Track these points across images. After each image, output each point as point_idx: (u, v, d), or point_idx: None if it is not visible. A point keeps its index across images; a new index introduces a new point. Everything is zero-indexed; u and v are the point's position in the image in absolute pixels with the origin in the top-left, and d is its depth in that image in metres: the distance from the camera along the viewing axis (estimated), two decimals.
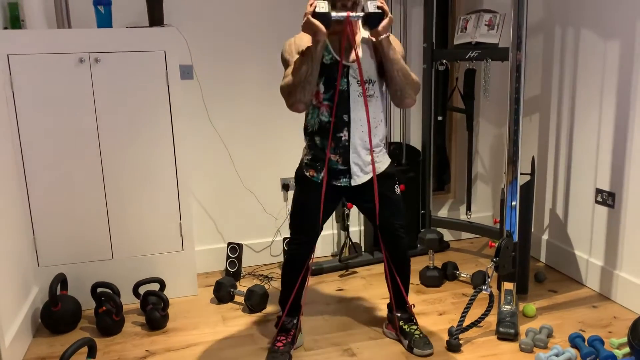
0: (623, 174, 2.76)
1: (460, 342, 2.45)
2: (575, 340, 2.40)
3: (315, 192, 2.28)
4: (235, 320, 2.78)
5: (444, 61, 3.27)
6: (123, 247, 2.89)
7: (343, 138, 2.24)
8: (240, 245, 3.26)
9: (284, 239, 3.40)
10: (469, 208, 3.55)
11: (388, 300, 2.57)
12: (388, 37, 2.12)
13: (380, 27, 2.09)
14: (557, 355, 2.30)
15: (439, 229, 3.31)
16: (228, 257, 3.26)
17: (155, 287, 2.86)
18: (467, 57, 3.10)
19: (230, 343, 2.55)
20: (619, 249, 2.83)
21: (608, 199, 2.87)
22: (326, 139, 2.24)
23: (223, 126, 3.26)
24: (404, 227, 2.41)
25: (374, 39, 2.15)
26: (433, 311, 2.80)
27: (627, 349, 2.32)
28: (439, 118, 3.51)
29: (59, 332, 2.66)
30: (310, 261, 2.38)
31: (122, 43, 2.70)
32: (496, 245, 2.56)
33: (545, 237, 3.40)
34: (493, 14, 3.06)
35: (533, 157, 2.99)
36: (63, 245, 2.81)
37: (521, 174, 2.58)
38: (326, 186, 2.28)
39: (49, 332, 2.67)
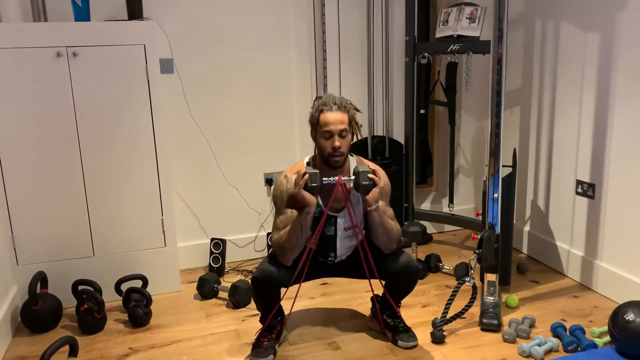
0: (603, 165, 2.80)
1: (444, 333, 2.47)
2: (557, 330, 2.43)
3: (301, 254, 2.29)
4: (219, 316, 2.76)
5: (426, 54, 3.27)
6: (104, 243, 2.86)
7: (330, 262, 2.44)
8: (223, 241, 3.24)
9: (268, 233, 3.39)
10: (451, 201, 3.57)
11: (371, 294, 2.57)
12: (377, 206, 2.20)
13: (369, 196, 2.16)
14: (539, 345, 2.32)
15: (422, 222, 3.33)
16: (211, 252, 3.24)
17: (138, 284, 2.83)
18: (448, 50, 3.11)
19: (214, 339, 2.54)
20: (599, 239, 2.87)
21: (588, 190, 2.90)
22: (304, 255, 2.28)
23: (204, 120, 3.23)
24: (415, 262, 2.41)
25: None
26: (417, 303, 2.82)
27: (607, 338, 2.35)
28: (422, 111, 3.52)
29: (39, 331, 2.62)
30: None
31: (100, 37, 2.66)
32: (479, 237, 2.58)
33: (527, 228, 3.43)
34: (474, 7, 3.07)
35: (514, 149, 3.02)
36: (42, 243, 2.76)
37: (503, 166, 2.60)
38: (313, 258, 2.33)
39: (29, 331, 2.63)
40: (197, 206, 3.34)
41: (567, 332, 2.42)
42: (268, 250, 3.43)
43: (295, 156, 3.39)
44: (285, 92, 3.36)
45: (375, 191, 2.17)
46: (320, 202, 2.26)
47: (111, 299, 2.85)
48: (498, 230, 2.59)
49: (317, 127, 2.24)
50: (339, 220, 2.31)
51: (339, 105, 2.20)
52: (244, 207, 3.40)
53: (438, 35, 3.21)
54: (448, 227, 3.90)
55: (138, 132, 2.80)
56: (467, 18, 3.07)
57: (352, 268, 2.44)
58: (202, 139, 3.25)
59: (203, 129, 3.23)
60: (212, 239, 3.25)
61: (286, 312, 2.44)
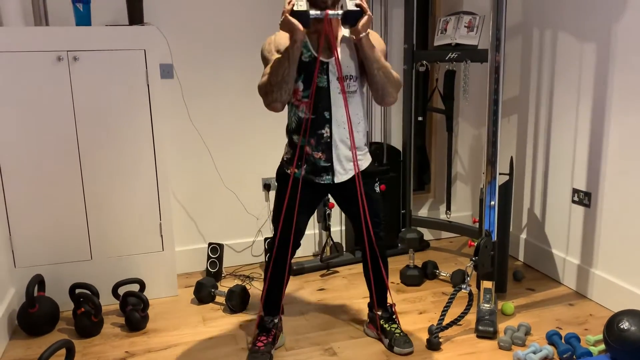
0: (599, 174, 2.82)
1: (440, 340, 2.47)
2: (552, 338, 2.44)
3: (297, 189, 2.28)
4: (216, 320, 2.77)
5: (424, 62, 3.30)
6: (102, 247, 2.86)
7: (325, 135, 2.24)
8: (221, 246, 3.25)
9: (266, 239, 3.40)
10: (448, 208, 3.58)
11: (369, 300, 2.58)
12: (367, 35, 2.12)
13: (359, 25, 2.08)
14: (534, 352, 2.33)
15: (419, 229, 3.33)
16: (209, 257, 3.25)
17: (135, 288, 2.83)
18: (447, 58, 3.13)
19: (211, 344, 2.54)
20: (594, 247, 2.88)
21: (584, 198, 2.92)
22: (305, 136, 2.23)
23: (203, 125, 3.25)
24: (381, 225, 2.43)
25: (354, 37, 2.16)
26: (413, 310, 2.82)
27: (602, 346, 2.36)
28: (419, 119, 3.54)
29: (36, 334, 2.62)
30: (291, 259, 2.38)
31: (101, 41, 2.68)
32: (475, 244, 2.59)
33: (523, 236, 3.45)
34: (473, 16, 3.09)
35: (511, 157, 3.04)
36: (40, 246, 2.77)
37: (500, 174, 2.62)
38: (308, 184, 2.29)
39: (25, 334, 2.63)
40: (195, 211, 3.34)
41: (563, 340, 2.43)
42: (265, 256, 3.44)
43: None
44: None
45: (363, 20, 2.07)
46: (310, 47, 2.17)
47: (108, 303, 2.85)
48: (495, 237, 2.61)
49: None
50: (330, 67, 2.17)
51: None
52: (242, 212, 3.41)
53: (436, 43, 3.23)
54: (445, 234, 3.91)
55: (137, 137, 2.82)
56: (465, 27, 3.09)
57: (349, 199, 2.36)
58: (201, 143, 3.26)
59: (202, 133, 3.25)
60: (210, 244, 3.26)
61: (283, 316, 2.45)
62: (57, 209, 2.76)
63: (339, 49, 2.19)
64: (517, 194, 3.42)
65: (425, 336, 2.51)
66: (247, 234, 3.46)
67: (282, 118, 3.39)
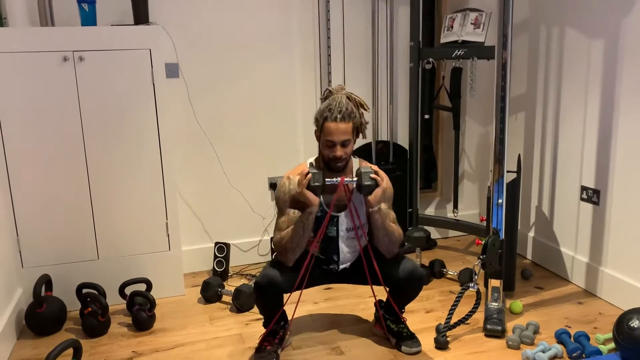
0: (608, 171, 2.79)
1: (448, 339, 2.46)
2: (561, 336, 2.42)
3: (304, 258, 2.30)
4: (222, 320, 2.76)
5: (431, 60, 3.28)
6: (109, 247, 2.87)
7: (333, 268, 2.42)
8: (227, 245, 3.24)
9: (271, 238, 3.39)
10: (455, 206, 3.56)
11: (375, 300, 2.57)
12: (379, 208, 2.22)
13: (371, 197, 2.18)
14: (543, 351, 2.31)
15: (426, 227, 3.32)
16: (215, 256, 3.25)
17: (142, 287, 2.83)
18: (453, 55, 3.11)
19: (217, 343, 2.54)
20: (603, 245, 2.86)
21: (593, 196, 2.89)
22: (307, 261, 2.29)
23: (209, 125, 3.25)
24: (420, 269, 2.39)
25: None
26: (420, 309, 2.81)
27: (612, 345, 2.34)
28: (426, 117, 3.52)
29: (43, 333, 2.63)
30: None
31: (106, 41, 2.68)
32: (483, 242, 2.57)
33: (531, 234, 3.42)
34: (479, 13, 3.07)
35: (519, 155, 3.02)
36: (48, 246, 2.77)
37: (507, 171, 2.60)
38: (316, 264, 2.37)
39: (33, 333, 2.64)
40: (201, 210, 3.34)
41: (572, 339, 2.41)
42: (272, 255, 3.43)
43: (299, 161, 3.39)
44: (290, 96, 3.36)
45: (377, 192, 2.18)
46: (323, 202, 2.27)
47: (115, 303, 2.85)
48: (502, 236, 2.59)
49: (320, 131, 2.25)
50: (340, 220, 2.31)
51: (344, 115, 2.18)
52: (248, 211, 3.40)
53: (443, 40, 3.21)
54: (452, 233, 3.89)
55: (143, 136, 2.82)
56: (471, 24, 3.08)
57: (355, 275, 2.43)
58: (207, 143, 3.26)
59: (208, 133, 3.25)
60: (216, 243, 3.26)
61: (289, 316, 2.44)
62: (64, 209, 2.77)
63: (352, 209, 2.29)
64: (524, 192, 3.40)
65: (432, 335, 2.50)
66: (254, 233, 3.46)
67: (288, 117, 3.38)
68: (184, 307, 2.92)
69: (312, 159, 2.37)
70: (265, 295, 2.29)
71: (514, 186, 2.80)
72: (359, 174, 2.18)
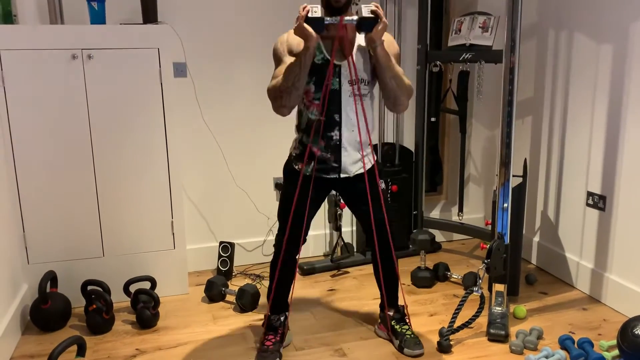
0: (614, 177, 2.78)
1: (451, 343, 2.46)
2: (565, 342, 2.42)
3: (304, 184, 2.29)
4: (226, 319, 2.77)
5: (438, 63, 3.27)
6: (114, 244, 2.88)
7: (334, 137, 2.24)
8: (232, 244, 3.25)
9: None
10: (460, 209, 3.56)
11: (380, 301, 2.57)
12: (382, 43, 2.11)
13: (373, 33, 2.07)
14: (546, 357, 2.31)
15: (430, 230, 3.32)
16: (220, 256, 3.25)
17: (146, 285, 2.84)
18: (460, 59, 3.11)
19: (221, 342, 2.54)
20: (609, 251, 2.84)
21: (599, 202, 2.88)
22: (315, 136, 2.24)
23: (216, 124, 3.26)
24: (384, 220, 2.38)
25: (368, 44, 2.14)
26: (424, 312, 2.81)
27: (616, 352, 2.33)
28: (432, 119, 3.52)
29: (48, 329, 2.64)
30: (298, 256, 2.38)
31: (115, 40, 2.69)
32: (487, 246, 2.57)
33: (536, 239, 3.41)
34: (487, 17, 3.07)
35: (525, 159, 3.01)
36: (53, 243, 2.79)
37: (513, 176, 2.59)
38: (315, 180, 2.30)
39: (38, 329, 2.65)
40: (206, 209, 3.35)
41: (575, 345, 2.40)
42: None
43: None
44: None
45: (378, 26, 2.06)
46: (324, 50, 2.17)
47: (119, 300, 2.86)
48: (507, 240, 2.58)
49: None
50: (342, 70, 2.17)
51: None
52: (253, 211, 3.41)
53: (450, 43, 3.21)
54: (457, 236, 3.89)
55: (150, 135, 2.83)
56: (479, 27, 3.07)
57: (356, 198, 2.36)
58: (214, 142, 3.27)
59: (214, 132, 3.26)
60: (221, 242, 3.27)
61: (289, 315, 2.44)
62: (70, 207, 2.78)
63: (353, 53, 2.18)
64: (530, 197, 3.39)
65: (435, 338, 2.49)
66: (258, 233, 3.46)
67: (294, 118, 3.38)
68: (187, 305, 2.92)
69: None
70: (289, 250, 2.33)
71: (519, 190, 2.80)
72: (358, 11, 2.08)
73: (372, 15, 2.07)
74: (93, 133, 2.75)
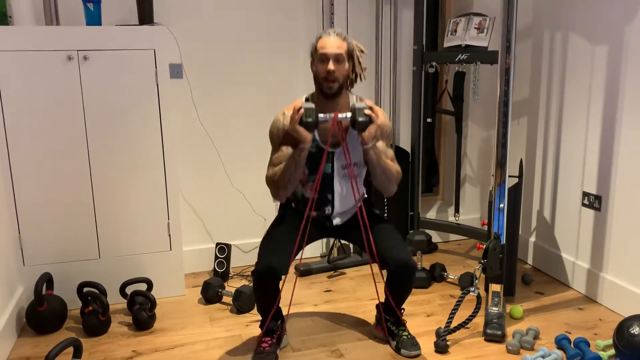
0: (610, 177, 2.79)
1: (448, 343, 2.46)
2: (561, 342, 2.42)
3: (298, 219, 2.32)
4: (222, 320, 2.77)
5: (434, 63, 3.28)
6: (110, 246, 2.87)
7: (327, 211, 2.39)
8: (228, 246, 3.25)
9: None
10: (457, 210, 3.56)
11: (377, 301, 2.57)
12: (375, 144, 2.18)
13: (366, 134, 2.13)
14: (543, 356, 2.31)
15: (427, 231, 3.32)
16: (216, 257, 3.25)
17: (143, 287, 2.84)
18: (456, 59, 3.12)
19: (217, 344, 2.54)
20: (605, 251, 2.85)
21: (595, 202, 2.89)
22: (309, 209, 2.30)
23: (212, 126, 3.25)
24: (412, 262, 2.30)
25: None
26: (421, 312, 2.81)
27: (612, 351, 2.34)
28: (428, 120, 3.52)
29: (44, 332, 2.63)
30: (283, 279, 2.28)
31: (111, 41, 2.69)
32: (484, 247, 2.57)
33: (532, 239, 3.42)
34: (483, 17, 3.08)
35: (521, 159, 3.02)
36: (49, 244, 2.78)
37: (509, 176, 2.60)
38: (311, 222, 2.33)
39: (33, 332, 2.64)
40: (203, 210, 3.35)
41: (572, 345, 2.41)
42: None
43: None
44: (294, 98, 3.35)
45: (371, 129, 2.12)
46: (318, 138, 2.24)
47: (116, 302, 2.86)
48: (503, 240, 2.59)
49: (314, 54, 2.21)
50: (336, 156, 2.27)
51: (339, 34, 2.18)
52: (250, 212, 3.40)
53: (446, 44, 3.21)
54: (453, 237, 3.89)
55: (146, 136, 2.82)
56: (475, 28, 3.08)
57: (350, 232, 2.41)
58: (210, 143, 3.27)
59: (211, 134, 3.25)
60: (217, 244, 3.26)
61: (284, 312, 2.44)
62: (66, 208, 2.77)
63: (347, 140, 2.26)
64: (526, 197, 3.40)
65: (432, 339, 2.49)
66: (255, 234, 3.46)
67: None
68: (184, 307, 2.92)
69: (307, 94, 2.32)
70: (264, 282, 2.24)
71: (515, 191, 2.80)
72: (352, 109, 2.13)
73: (366, 119, 2.12)
74: (89, 134, 2.74)
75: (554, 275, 3.23)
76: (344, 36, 2.21)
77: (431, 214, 3.86)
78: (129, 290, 2.80)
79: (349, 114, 2.14)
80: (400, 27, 3.48)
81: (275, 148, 2.30)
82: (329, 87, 2.18)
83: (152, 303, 2.69)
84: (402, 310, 2.50)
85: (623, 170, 2.71)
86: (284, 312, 2.45)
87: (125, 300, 2.80)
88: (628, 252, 2.71)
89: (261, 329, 2.40)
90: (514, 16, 2.41)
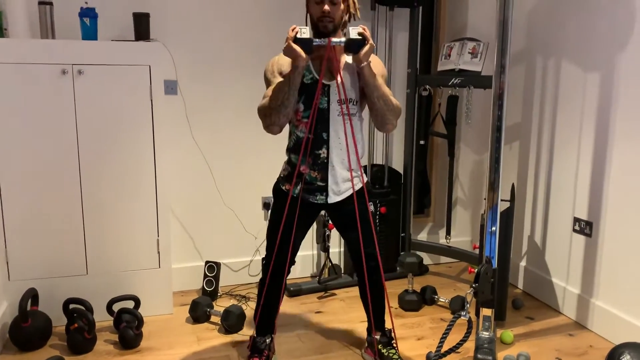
0: (601, 203, 2.81)
1: None
2: None
3: (292, 206, 2.29)
4: (210, 340, 2.72)
5: (427, 87, 3.31)
6: (98, 262, 2.83)
7: (322, 155, 2.27)
8: (218, 264, 3.21)
9: (262, 258, 3.36)
10: (448, 232, 3.56)
11: (367, 324, 2.55)
12: (369, 63, 2.15)
13: (361, 54, 2.11)
14: None
15: (418, 253, 3.31)
16: (205, 275, 3.21)
17: (130, 304, 2.79)
18: (450, 83, 3.14)
19: None
20: (595, 277, 2.86)
21: (586, 228, 2.90)
22: (303, 154, 2.25)
23: (205, 143, 3.24)
24: (375, 254, 2.40)
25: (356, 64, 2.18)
26: (411, 336, 2.79)
27: None
28: (421, 142, 3.54)
29: (27, 349, 2.58)
30: (286, 277, 2.36)
31: (106, 56, 2.68)
32: (476, 270, 2.56)
33: (523, 263, 3.42)
34: (477, 43, 3.11)
35: (513, 184, 3.03)
36: (36, 259, 2.74)
37: (501, 200, 2.60)
38: (303, 202, 2.30)
39: (17, 348, 2.59)
40: (193, 228, 3.32)
41: None
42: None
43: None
44: None
45: (365, 49, 2.10)
46: (312, 69, 2.21)
47: (102, 319, 2.81)
48: (495, 264, 2.58)
49: None
50: (331, 89, 2.21)
51: None
52: (241, 230, 3.38)
53: (440, 68, 3.25)
54: (444, 259, 3.88)
55: (138, 152, 2.81)
56: (469, 53, 3.11)
57: (344, 219, 2.36)
58: (202, 161, 3.25)
59: (203, 151, 3.24)
60: (207, 262, 3.23)
61: (275, 337, 2.41)
62: (55, 223, 2.74)
63: (341, 73, 2.21)
64: (517, 221, 3.41)
65: None
66: (245, 253, 3.43)
67: (283, 137, 3.37)
68: (171, 326, 2.87)
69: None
70: (281, 276, 2.33)
71: (507, 215, 2.81)
72: (346, 33, 2.13)
73: (360, 37, 2.11)
74: (80, 148, 2.72)
75: (544, 300, 3.22)
76: None
77: (422, 236, 3.85)
78: (115, 307, 2.76)
79: (343, 39, 2.13)
80: (394, 50, 3.51)
81: (269, 81, 2.25)
82: (325, 26, 2.15)
83: (139, 321, 2.65)
84: (393, 329, 2.48)
85: (614, 196, 2.73)
86: (273, 333, 2.42)
87: (112, 318, 2.75)
88: (619, 279, 2.71)
89: (248, 349, 2.36)
90: (508, 42, 2.44)
